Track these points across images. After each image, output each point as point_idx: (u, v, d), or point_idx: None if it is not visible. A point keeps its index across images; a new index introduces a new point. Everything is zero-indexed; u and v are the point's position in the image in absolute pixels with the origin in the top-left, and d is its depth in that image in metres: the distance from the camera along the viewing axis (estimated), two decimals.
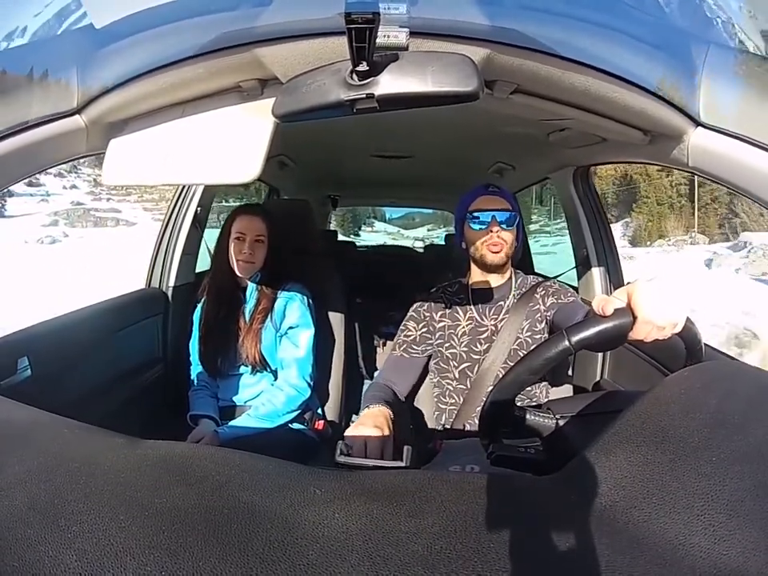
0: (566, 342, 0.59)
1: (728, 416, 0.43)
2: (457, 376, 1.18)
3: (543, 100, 0.73)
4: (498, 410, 0.66)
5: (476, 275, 1.22)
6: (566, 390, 1.28)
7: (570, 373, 1.32)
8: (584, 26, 0.64)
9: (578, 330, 0.59)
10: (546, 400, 1.16)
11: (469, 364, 1.16)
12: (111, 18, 0.62)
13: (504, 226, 1.14)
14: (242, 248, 1.31)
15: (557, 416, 0.65)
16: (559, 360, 0.61)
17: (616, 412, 0.50)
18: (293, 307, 1.37)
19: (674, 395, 0.48)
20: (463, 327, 1.18)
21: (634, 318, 0.58)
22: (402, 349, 1.21)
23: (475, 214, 1.15)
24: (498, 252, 1.14)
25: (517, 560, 0.34)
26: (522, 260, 1.35)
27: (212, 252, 1.46)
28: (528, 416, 0.66)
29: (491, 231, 1.13)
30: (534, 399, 1.15)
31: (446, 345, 1.19)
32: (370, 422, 0.84)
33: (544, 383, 1.19)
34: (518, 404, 0.68)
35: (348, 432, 0.81)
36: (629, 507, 0.39)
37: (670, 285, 0.58)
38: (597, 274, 1.60)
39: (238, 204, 1.45)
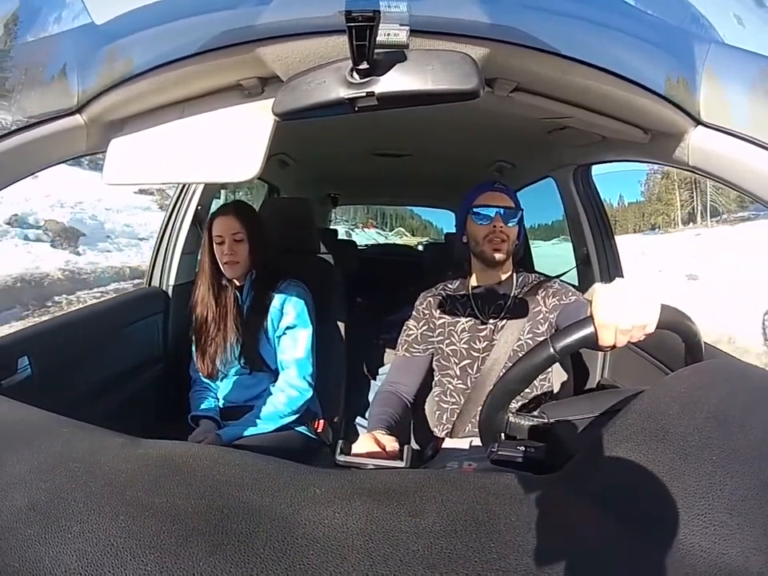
0: (551, 350, 0.60)
1: (728, 415, 0.43)
2: (457, 373, 1.18)
3: (544, 98, 0.72)
4: (492, 418, 0.67)
5: (477, 272, 1.22)
6: (566, 390, 1.28)
7: (570, 373, 1.31)
8: (585, 25, 0.64)
9: (560, 338, 0.60)
10: (547, 401, 1.16)
11: (469, 361, 1.16)
12: (111, 14, 0.61)
13: (507, 222, 1.14)
14: (223, 250, 1.31)
15: (550, 420, 0.66)
16: (547, 367, 0.62)
17: (610, 413, 0.50)
18: (290, 306, 1.36)
19: (675, 394, 0.48)
20: (463, 324, 1.18)
21: (594, 325, 0.58)
22: (404, 349, 1.21)
23: (479, 209, 1.15)
24: (498, 249, 1.13)
25: (517, 559, 0.34)
26: (522, 258, 1.35)
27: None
28: (522, 421, 0.67)
29: (494, 226, 1.13)
30: (534, 401, 1.15)
31: (446, 341, 1.19)
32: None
33: (547, 384, 1.19)
34: (516, 405, 0.68)
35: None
36: (629, 506, 0.39)
37: (632, 286, 0.57)
38: (597, 273, 1.60)
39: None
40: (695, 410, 0.44)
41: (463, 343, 1.17)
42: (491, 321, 1.17)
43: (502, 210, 1.13)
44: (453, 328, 1.19)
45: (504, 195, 1.16)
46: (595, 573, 0.34)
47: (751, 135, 0.60)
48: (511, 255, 1.19)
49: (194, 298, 1.39)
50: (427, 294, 1.25)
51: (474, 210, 1.15)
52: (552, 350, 0.59)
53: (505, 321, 1.16)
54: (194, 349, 1.42)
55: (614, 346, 0.59)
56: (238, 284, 1.39)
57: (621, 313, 0.56)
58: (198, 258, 1.79)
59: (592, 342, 0.59)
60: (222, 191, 2.84)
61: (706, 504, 0.36)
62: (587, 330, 0.59)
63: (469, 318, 1.18)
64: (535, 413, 0.68)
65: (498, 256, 1.14)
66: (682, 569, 0.33)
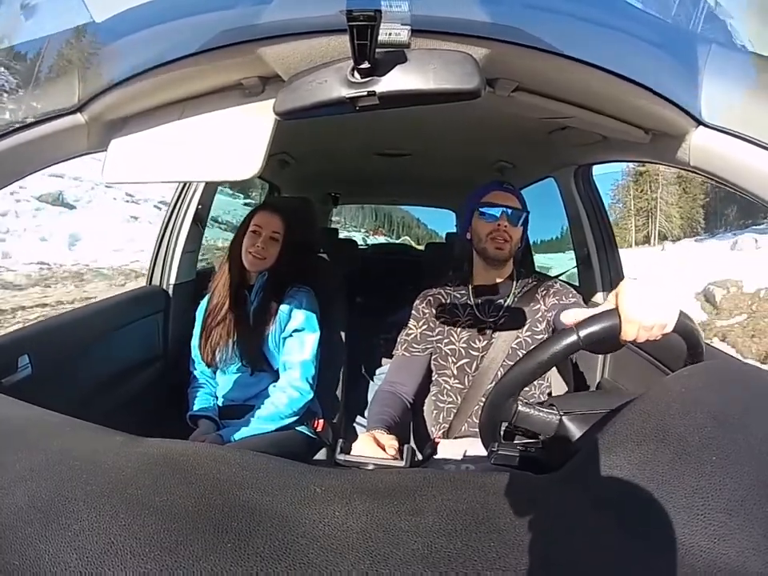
0: (575, 336, 0.59)
1: (728, 415, 0.43)
2: (455, 373, 1.18)
3: (545, 98, 0.72)
4: (501, 403, 0.66)
5: (478, 270, 1.22)
6: (566, 391, 1.28)
7: (570, 373, 1.31)
8: (586, 25, 0.64)
9: (586, 325, 0.60)
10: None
11: (467, 360, 1.16)
12: (112, 13, 0.61)
13: (512, 222, 1.14)
14: (255, 241, 1.31)
15: (560, 412, 0.65)
16: (567, 355, 0.62)
17: (619, 410, 0.50)
18: (299, 312, 1.36)
19: (675, 394, 0.48)
20: (462, 323, 1.18)
21: (620, 318, 0.59)
22: (403, 348, 1.21)
23: (486, 206, 1.15)
24: (501, 248, 1.13)
25: (516, 558, 0.34)
26: (523, 259, 1.35)
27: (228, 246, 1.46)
28: (531, 411, 0.66)
29: (499, 225, 1.13)
30: (534, 400, 1.15)
31: (445, 341, 1.19)
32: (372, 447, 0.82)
33: (545, 384, 1.19)
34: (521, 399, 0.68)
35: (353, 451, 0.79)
36: (628, 506, 0.39)
37: (657, 286, 0.59)
38: (598, 273, 1.60)
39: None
40: (695, 410, 0.44)
41: (462, 342, 1.17)
42: (491, 320, 1.17)
43: (509, 210, 1.13)
44: (452, 327, 1.19)
45: (512, 196, 1.17)
46: (594, 572, 0.34)
47: (752, 136, 0.60)
48: (513, 256, 1.19)
49: (213, 284, 1.40)
50: (427, 294, 1.25)
51: (482, 207, 1.16)
52: (576, 336, 0.59)
53: (504, 320, 1.16)
54: (194, 347, 1.42)
55: (632, 342, 0.61)
56: (249, 283, 1.39)
57: (647, 309, 0.58)
58: (199, 256, 1.81)
59: (615, 334, 0.60)
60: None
61: (706, 504, 0.36)
62: (613, 321, 0.59)
63: (468, 318, 1.18)
64: (544, 405, 0.68)
65: (501, 254, 1.14)
66: (681, 569, 0.33)
